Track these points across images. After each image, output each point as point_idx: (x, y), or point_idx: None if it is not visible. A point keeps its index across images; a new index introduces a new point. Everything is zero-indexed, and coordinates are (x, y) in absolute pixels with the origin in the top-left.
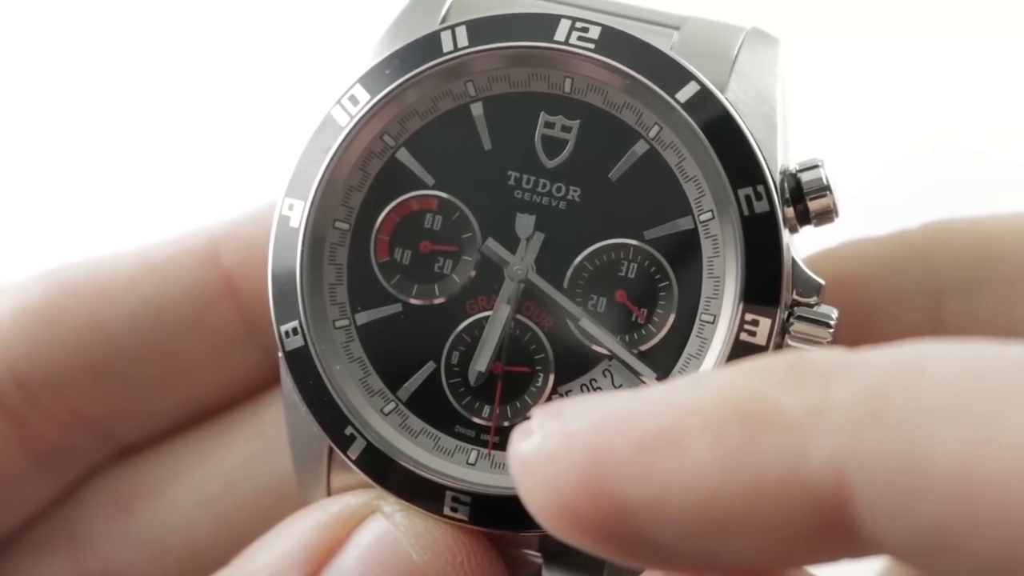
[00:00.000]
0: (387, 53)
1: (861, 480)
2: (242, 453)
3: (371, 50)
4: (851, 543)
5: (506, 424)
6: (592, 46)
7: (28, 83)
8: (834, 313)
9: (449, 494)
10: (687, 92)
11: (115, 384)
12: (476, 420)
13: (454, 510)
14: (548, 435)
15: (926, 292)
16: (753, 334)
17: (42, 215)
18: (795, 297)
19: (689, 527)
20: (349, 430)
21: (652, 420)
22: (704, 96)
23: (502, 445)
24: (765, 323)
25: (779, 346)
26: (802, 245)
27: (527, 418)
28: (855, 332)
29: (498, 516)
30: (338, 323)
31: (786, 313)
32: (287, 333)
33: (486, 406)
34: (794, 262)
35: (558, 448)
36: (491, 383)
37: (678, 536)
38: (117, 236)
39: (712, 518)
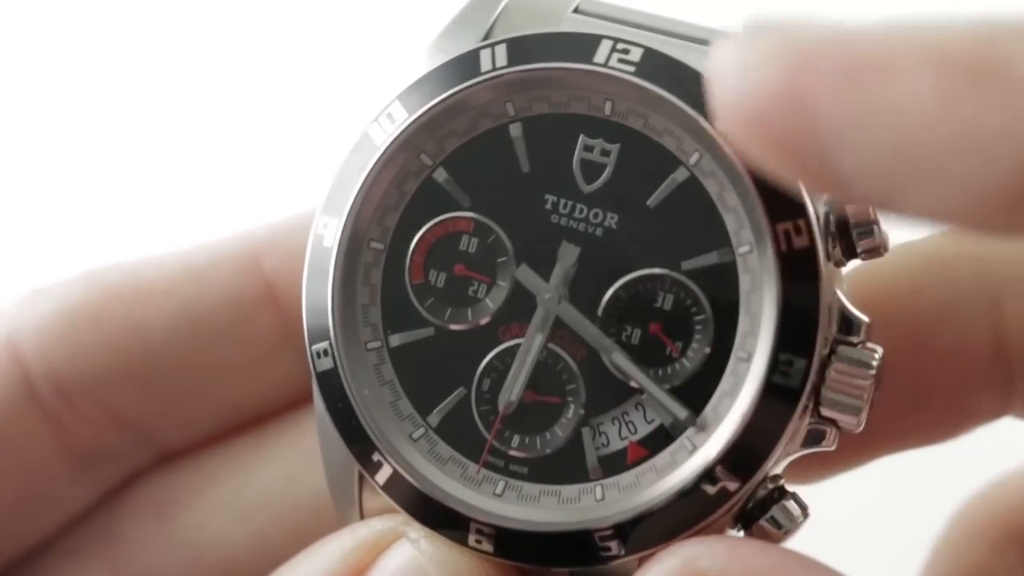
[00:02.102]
0: (427, 69)
1: None
2: (281, 467)
3: (414, 64)
4: None
5: (532, 456)
6: (632, 69)
7: (74, 90)
8: (877, 354)
9: (474, 525)
10: None
11: (153, 389)
12: (507, 450)
13: (479, 541)
14: (764, 28)
15: (982, 294)
16: (787, 375)
17: (84, 217)
18: (836, 335)
19: (877, 161)
20: (376, 456)
21: (866, 49)
22: None
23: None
24: (800, 363)
25: (817, 387)
26: None
27: (553, 450)
28: (914, 345)
29: (524, 550)
30: (370, 345)
31: (827, 351)
32: (318, 354)
33: (516, 436)
34: (837, 297)
35: (771, 45)
36: (523, 412)
37: (862, 169)
38: (158, 239)
39: (906, 155)
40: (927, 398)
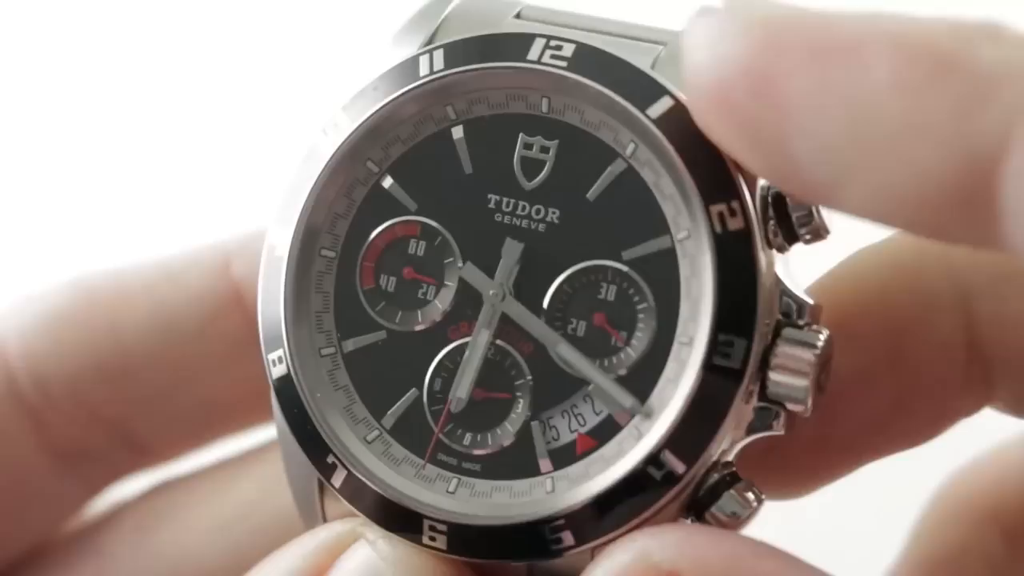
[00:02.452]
0: (370, 79)
1: None
2: (256, 482)
3: (360, 75)
4: (976, 226)
5: (483, 452)
6: (564, 64)
7: (57, 105)
8: (823, 335)
9: (427, 522)
10: (659, 107)
11: (128, 386)
12: (458, 448)
13: (432, 539)
14: (736, 6)
15: (952, 293)
16: (728, 356)
17: (77, 228)
18: (780, 319)
19: (830, 145)
20: (331, 458)
21: (844, 29)
22: (677, 110)
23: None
24: (740, 344)
25: (762, 370)
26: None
27: (504, 446)
28: (889, 345)
29: (476, 545)
30: (324, 351)
31: (771, 334)
32: (273, 362)
33: (468, 434)
34: (779, 281)
35: (740, 23)
36: (473, 410)
37: (815, 153)
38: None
39: (862, 139)
40: (907, 403)
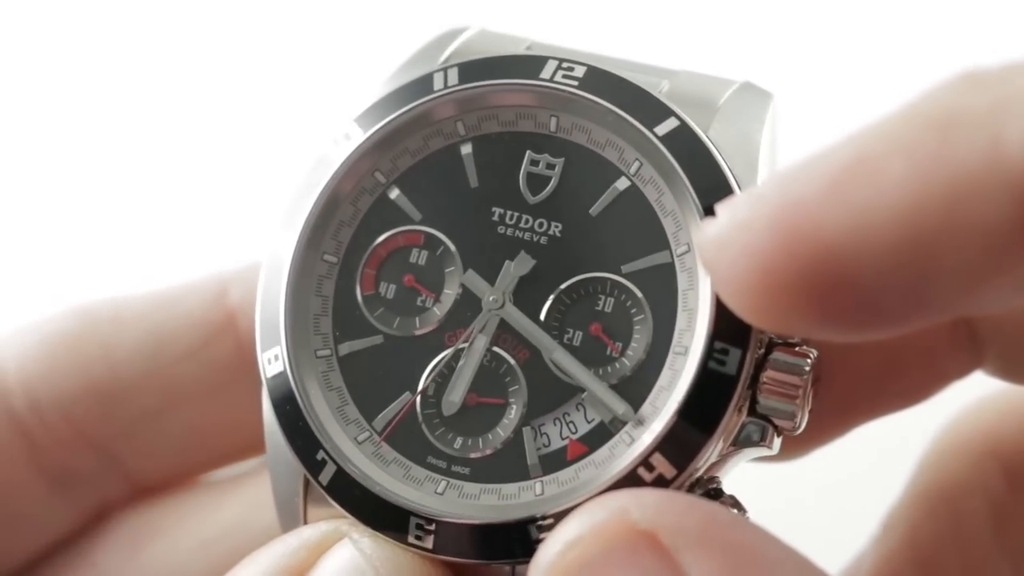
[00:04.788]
0: (383, 94)
1: None
2: (241, 502)
3: (373, 93)
4: None
5: (474, 456)
6: (576, 84)
7: (72, 129)
8: (811, 356)
9: (413, 521)
10: (666, 127)
11: (118, 409)
12: (449, 451)
13: (418, 538)
14: (735, 207)
15: None
16: (723, 363)
17: (79, 254)
18: (773, 336)
19: (896, 253)
20: (321, 455)
21: (839, 158)
22: (683, 131)
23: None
24: (735, 352)
25: (752, 386)
26: None
27: (495, 450)
28: None
29: (463, 545)
30: (320, 352)
31: (763, 351)
32: (269, 360)
33: (459, 437)
34: None
35: (749, 213)
36: (465, 414)
37: (887, 268)
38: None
39: (919, 233)
40: (897, 365)
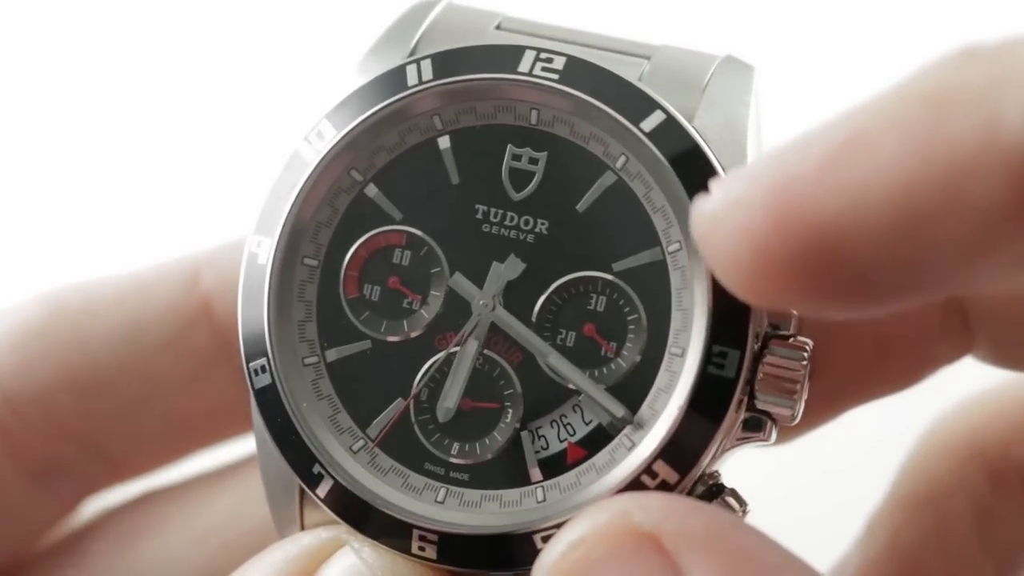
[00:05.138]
0: (355, 88)
1: None
2: (234, 496)
3: (341, 83)
4: None
5: (472, 462)
6: (556, 76)
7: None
8: (808, 347)
9: (416, 532)
10: (652, 121)
11: (97, 399)
12: (447, 458)
13: (421, 549)
14: (729, 185)
15: None
16: (722, 366)
17: (53, 243)
18: (768, 329)
19: (891, 231)
20: (317, 468)
21: (834, 134)
22: (670, 125)
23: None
24: (734, 355)
25: (750, 380)
26: None
27: (493, 455)
28: None
29: (466, 555)
30: (307, 360)
31: (759, 344)
32: (255, 371)
33: (455, 443)
34: None
35: (743, 190)
36: (461, 419)
37: (881, 245)
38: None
39: (914, 212)
40: (887, 349)
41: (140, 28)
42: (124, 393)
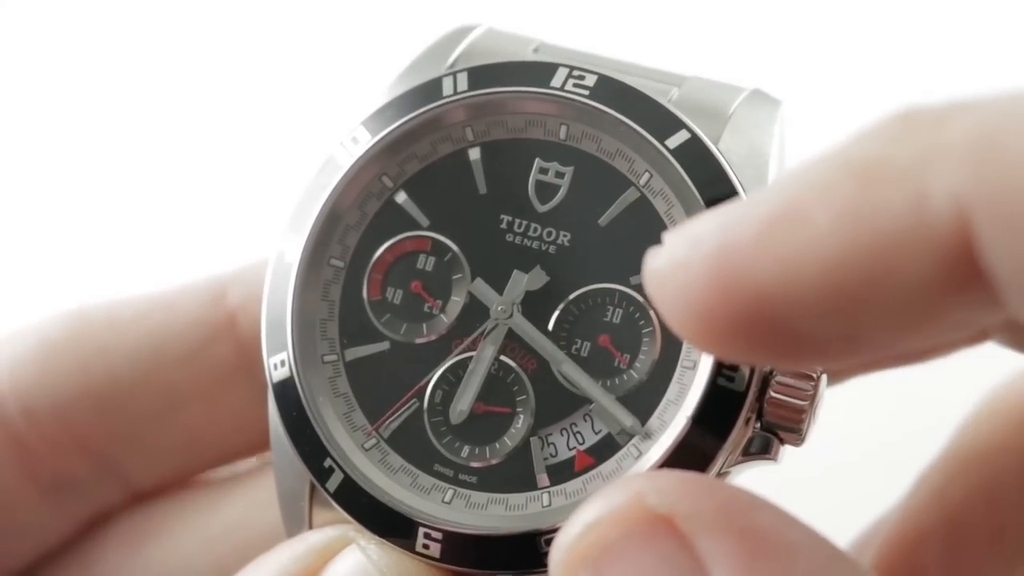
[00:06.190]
0: (391, 97)
1: (985, 214)
2: (243, 502)
3: (381, 95)
4: (977, 290)
5: (481, 465)
6: (586, 92)
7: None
8: (816, 372)
9: (421, 530)
10: (677, 139)
11: (115, 413)
12: (456, 460)
13: (425, 547)
14: (675, 245)
15: None
16: (731, 380)
17: (84, 262)
18: None
19: (823, 300)
20: (328, 462)
21: (770, 203)
22: (694, 144)
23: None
24: (744, 369)
25: (762, 394)
26: None
27: (502, 459)
28: None
29: (470, 555)
30: (326, 358)
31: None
32: (275, 365)
33: (466, 446)
34: None
35: (686, 253)
36: (473, 423)
37: (815, 314)
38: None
39: (843, 283)
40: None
41: (177, 48)
42: (143, 407)
